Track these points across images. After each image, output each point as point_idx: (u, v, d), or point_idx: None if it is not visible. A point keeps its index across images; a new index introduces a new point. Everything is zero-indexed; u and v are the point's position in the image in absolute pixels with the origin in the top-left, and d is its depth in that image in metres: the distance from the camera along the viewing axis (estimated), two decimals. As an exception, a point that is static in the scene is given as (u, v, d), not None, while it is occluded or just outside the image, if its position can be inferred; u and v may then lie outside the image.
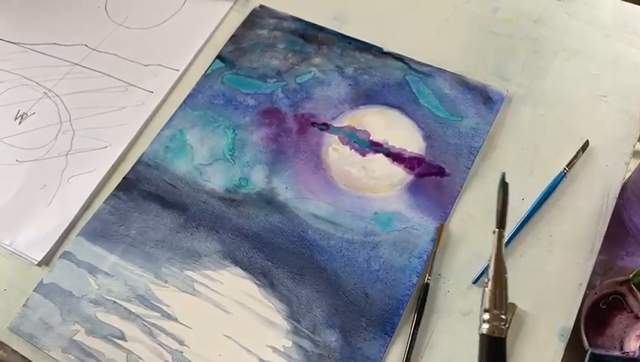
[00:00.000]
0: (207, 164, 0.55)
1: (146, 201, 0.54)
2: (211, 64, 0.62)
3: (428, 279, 0.47)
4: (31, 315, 0.49)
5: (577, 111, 0.55)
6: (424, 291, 0.47)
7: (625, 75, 0.57)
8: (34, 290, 0.50)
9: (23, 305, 0.50)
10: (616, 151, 0.53)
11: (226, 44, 0.63)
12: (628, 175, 0.52)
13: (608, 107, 0.55)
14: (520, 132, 0.55)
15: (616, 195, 0.50)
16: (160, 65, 0.62)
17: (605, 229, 0.49)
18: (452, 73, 0.58)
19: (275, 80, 0.60)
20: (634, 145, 0.53)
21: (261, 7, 0.65)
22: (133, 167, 0.56)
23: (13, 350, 0.48)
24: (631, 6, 0.61)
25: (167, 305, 0.48)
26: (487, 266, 0.39)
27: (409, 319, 0.46)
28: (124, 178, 0.55)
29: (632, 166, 0.52)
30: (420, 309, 0.46)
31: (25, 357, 0.48)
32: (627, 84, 0.56)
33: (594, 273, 0.48)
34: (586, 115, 0.55)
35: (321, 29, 0.62)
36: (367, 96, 0.58)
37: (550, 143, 0.54)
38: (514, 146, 0.54)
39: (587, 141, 0.53)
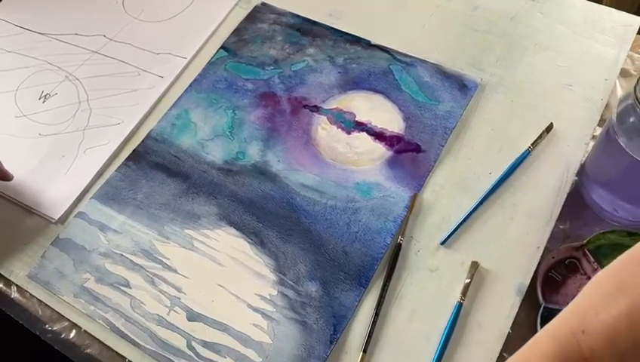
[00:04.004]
0: (209, 139, 0.62)
1: (153, 170, 0.60)
2: (216, 53, 0.68)
3: (401, 240, 0.53)
4: (47, 265, 0.55)
5: (545, 98, 0.61)
6: (396, 250, 0.52)
7: (590, 67, 0.62)
8: (51, 244, 0.56)
9: (41, 257, 0.56)
10: (578, 133, 0.58)
11: (229, 36, 0.70)
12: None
13: (573, 95, 0.61)
14: (491, 115, 0.60)
15: (576, 171, 0.56)
16: (170, 53, 0.69)
17: (563, 200, 0.54)
18: (432, 63, 0.64)
19: (272, 67, 0.66)
20: (594, 129, 0.58)
21: (263, 4, 0.72)
22: (142, 141, 0.62)
23: (31, 294, 0.55)
24: (598, 7, 0.67)
25: (168, 258, 0.54)
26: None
27: (382, 274, 0.52)
28: (134, 150, 0.62)
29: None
30: (392, 265, 0.52)
31: (41, 301, 0.54)
32: (591, 75, 0.62)
33: (554, 240, 0.54)
34: (553, 101, 0.60)
35: (316, 23, 0.69)
36: (354, 83, 0.64)
37: (518, 126, 0.59)
38: (485, 128, 0.60)
39: (551, 123, 0.58)
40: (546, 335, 0.26)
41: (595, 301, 0.26)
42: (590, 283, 0.27)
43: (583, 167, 0.57)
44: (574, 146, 0.57)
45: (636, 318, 0.24)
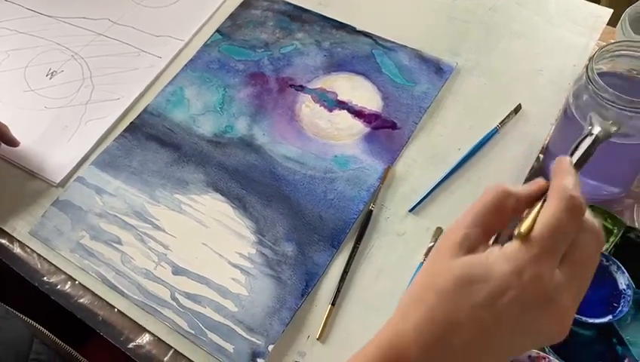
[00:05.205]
0: (200, 114, 0.66)
1: (148, 141, 0.65)
2: (211, 36, 0.73)
3: (372, 207, 0.57)
4: (47, 224, 0.60)
5: (516, 82, 0.65)
6: (368, 216, 0.56)
7: (560, 53, 0.66)
8: (51, 205, 0.61)
9: (42, 216, 0.61)
10: (545, 114, 0.62)
11: (224, 21, 0.74)
12: (552, 134, 0.61)
13: (543, 79, 0.64)
14: (465, 97, 0.64)
15: (539, 149, 0.59)
16: (169, 36, 0.74)
17: (526, 174, 0.58)
18: (412, 49, 0.68)
19: (262, 50, 0.71)
20: (560, 111, 0.62)
21: (257, -8, 0.76)
22: (139, 114, 0.67)
23: (32, 250, 0.59)
24: (572, -2, 0.71)
25: (158, 219, 0.59)
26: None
27: (354, 237, 0.56)
28: (131, 123, 0.67)
29: (557, 127, 0.61)
30: (363, 229, 0.56)
31: (41, 256, 0.59)
32: (561, 61, 0.65)
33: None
34: (524, 84, 0.64)
35: (305, 10, 0.73)
36: (338, 65, 0.68)
37: (490, 106, 0.63)
38: (458, 107, 0.63)
39: (520, 104, 0.62)
40: (370, 344, 0.33)
41: (403, 310, 0.32)
42: (403, 296, 0.33)
43: (547, 145, 0.60)
44: (540, 126, 0.61)
45: (433, 319, 0.30)
